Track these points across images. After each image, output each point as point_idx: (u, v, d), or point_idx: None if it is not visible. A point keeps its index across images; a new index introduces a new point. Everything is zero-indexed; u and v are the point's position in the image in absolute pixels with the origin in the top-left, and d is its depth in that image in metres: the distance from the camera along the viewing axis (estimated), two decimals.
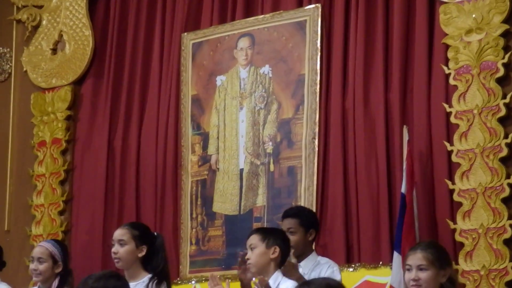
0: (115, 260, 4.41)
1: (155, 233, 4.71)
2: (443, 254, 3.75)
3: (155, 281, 4.28)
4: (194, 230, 6.32)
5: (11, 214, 7.47)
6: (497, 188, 5.08)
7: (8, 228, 7.37)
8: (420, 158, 5.39)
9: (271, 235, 4.12)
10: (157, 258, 4.43)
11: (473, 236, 5.11)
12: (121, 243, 4.38)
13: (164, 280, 4.35)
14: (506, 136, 5.11)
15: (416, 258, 3.61)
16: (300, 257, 4.51)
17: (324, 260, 4.62)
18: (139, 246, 4.37)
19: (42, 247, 4.88)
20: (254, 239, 4.06)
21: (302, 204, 5.80)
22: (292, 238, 4.41)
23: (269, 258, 3.97)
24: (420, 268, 3.56)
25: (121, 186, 6.83)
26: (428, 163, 5.44)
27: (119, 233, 4.48)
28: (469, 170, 5.20)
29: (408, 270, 3.66)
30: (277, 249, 4.01)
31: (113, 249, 4.39)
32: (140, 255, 4.37)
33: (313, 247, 4.85)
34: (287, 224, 4.60)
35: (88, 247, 6.73)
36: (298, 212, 4.78)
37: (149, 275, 4.32)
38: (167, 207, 6.52)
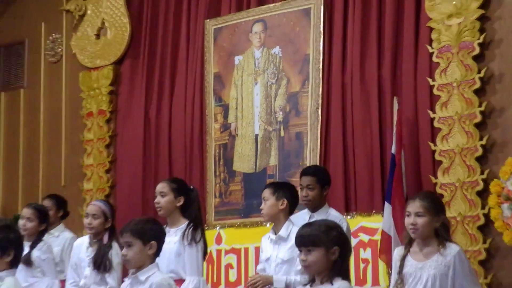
0: (158, 209, 4.46)
1: (191, 187, 4.72)
2: (437, 204, 3.79)
3: (191, 227, 4.30)
4: (217, 185, 6.38)
5: (66, 172, 7.57)
6: (472, 148, 5.15)
7: (64, 184, 7.45)
8: (407, 124, 5.40)
9: (281, 189, 4.17)
10: (193, 207, 4.45)
11: (451, 189, 5.19)
12: (162, 194, 4.40)
13: (198, 227, 4.38)
14: (480, 105, 5.14)
15: (415, 206, 3.63)
16: (315, 209, 4.49)
17: (334, 212, 4.58)
18: (177, 197, 4.38)
19: (95, 206, 4.95)
20: (266, 193, 4.13)
21: (309, 160, 5.88)
22: (310, 193, 4.45)
23: (278, 209, 4.04)
24: (417, 214, 3.58)
25: (156, 149, 6.87)
26: (414, 128, 5.47)
27: (160, 186, 4.49)
28: (449, 133, 5.25)
29: (408, 216, 3.67)
30: (285, 202, 4.06)
31: (156, 200, 4.42)
32: (178, 204, 4.39)
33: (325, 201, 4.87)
34: (306, 181, 4.54)
35: (130, 199, 6.79)
36: (316, 171, 4.72)
37: (187, 222, 4.35)
38: (195, 167, 6.57)
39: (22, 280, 4.76)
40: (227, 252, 6.03)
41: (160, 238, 3.39)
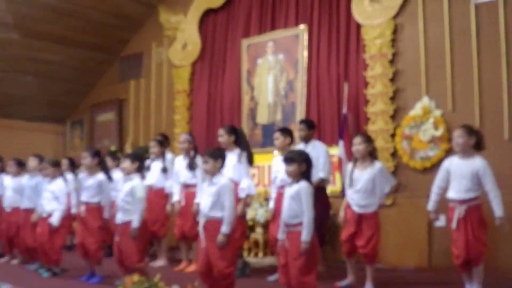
0: (220, 141, 4.44)
1: (239, 128, 4.71)
2: (369, 138, 3.82)
3: (242, 152, 4.32)
4: (248, 128, 6.36)
5: (168, 123, 7.43)
6: (387, 111, 5.18)
7: (163, 130, 7.15)
8: (352, 97, 5.43)
9: (286, 132, 4.26)
10: (241, 140, 4.45)
11: (376, 133, 5.20)
12: (221, 134, 4.42)
13: (246, 151, 4.36)
14: (392, 87, 5.18)
15: (357, 139, 3.76)
16: (307, 142, 4.37)
17: (318, 142, 4.50)
18: (231, 135, 4.40)
19: (185, 137, 4.95)
20: (277, 134, 4.24)
21: (298, 117, 5.80)
22: (303, 133, 4.39)
23: (286, 144, 4.16)
24: (360, 144, 3.69)
25: (214, 111, 6.89)
26: (355, 100, 5.47)
27: (220, 130, 4.50)
28: (375, 103, 5.28)
29: (353, 145, 3.80)
30: (288, 139, 4.18)
31: (219, 139, 4.46)
32: (231, 139, 4.38)
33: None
34: (302, 128, 4.44)
35: (199, 136, 6.50)
36: (305, 121, 4.60)
37: (239, 149, 4.36)
38: (236, 121, 6.47)
39: (156, 180, 5.07)
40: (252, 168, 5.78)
41: (223, 158, 3.33)
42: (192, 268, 4.61)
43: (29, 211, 4.85)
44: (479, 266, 3.25)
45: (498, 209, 3.23)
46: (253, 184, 4.38)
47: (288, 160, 2.95)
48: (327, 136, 5.59)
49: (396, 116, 5.21)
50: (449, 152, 4.54)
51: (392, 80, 5.25)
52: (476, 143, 3.35)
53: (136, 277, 2.55)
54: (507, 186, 4.29)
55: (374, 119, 5.30)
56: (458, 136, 3.35)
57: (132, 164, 3.76)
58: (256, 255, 5.37)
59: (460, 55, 4.89)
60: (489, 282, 3.43)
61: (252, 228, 5.39)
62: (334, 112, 5.65)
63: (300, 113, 5.90)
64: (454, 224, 3.31)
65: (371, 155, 3.74)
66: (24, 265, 4.93)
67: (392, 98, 5.23)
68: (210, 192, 3.18)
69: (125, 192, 3.72)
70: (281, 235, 2.97)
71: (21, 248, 5.05)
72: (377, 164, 3.71)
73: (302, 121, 4.58)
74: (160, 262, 5.07)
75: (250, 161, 4.36)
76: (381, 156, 5.09)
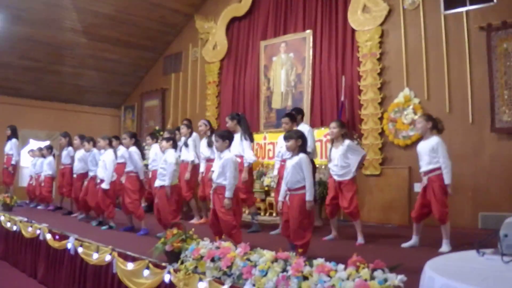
0: (227, 126, 4.37)
1: (240, 114, 4.54)
2: (342, 124, 3.73)
3: (244, 134, 4.25)
4: (265, 113, 6.28)
5: (192, 110, 7.51)
6: (376, 98, 5.19)
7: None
8: (348, 87, 5.43)
9: (293, 117, 4.08)
10: (242, 123, 4.35)
11: (367, 117, 5.20)
12: (226, 120, 4.41)
13: (247, 134, 4.29)
14: (380, 79, 5.17)
15: (332, 124, 3.71)
16: (298, 125, 4.06)
17: (303, 124, 4.17)
18: (234, 120, 4.34)
19: (204, 120, 4.95)
20: (285, 118, 4.06)
21: (305, 104, 5.81)
22: (287, 127, 3.94)
23: (292, 126, 3.95)
24: (334, 128, 3.67)
25: (237, 98, 6.86)
26: (351, 89, 5.44)
27: (226, 118, 4.41)
28: (366, 92, 5.30)
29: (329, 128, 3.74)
30: (295, 124, 4.01)
31: (227, 125, 4.39)
32: (234, 123, 4.31)
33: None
34: (285, 121, 3.98)
35: (222, 119, 6.48)
36: (290, 114, 4.06)
37: (241, 130, 4.29)
38: (255, 106, 6.48)
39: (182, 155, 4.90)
40: (268, 144, 5.92)
41: (230, 139, 3.25)
42: (202, 221, 4.65)
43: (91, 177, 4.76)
44: (445, 224, 3.18)
45: (446, 178, 3.18)
46: (252, 155, 4.24)
47: (286, 137, 2.94)
48: (327, 118, 5.55)
49: (383, 103, 5.21)
50: (439, 131, 4.25)
51: (380, 74, 5.28)
52: (434, 126, 3.31)
53: (175, 231, 2.55)
54: (469, 160, 4.52)
55: (366, 105, 5.31)
56: (418, 122, 3.38)
57: (167, 143, 3.80)
58: (271, 214, 5.39)
59: (433, 55, 4.93)
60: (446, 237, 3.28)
61: (267, 193, 5.41)
62: (334, 99, 5.63)
63: (306, 100, 5.89)
64: (419, 189, 3.35)
65: (344, 136, 3.64)
66: (88, 220, 4.87)
67: (380, 89, 5.25)
68: (218, 164, 3.17)
69: (162, 162, 3.74)
70: (281, 197, 2.93)
71: (85, 206, 4.94)
72: (346, 142, 3.62)
73: (285, 115, 4.07)
74: (194, 220, 5.00)
75: (251, 138, 4.29)
76: (371, 135, 5.23)
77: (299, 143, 2.87)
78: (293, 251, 2.16)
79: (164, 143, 3.85)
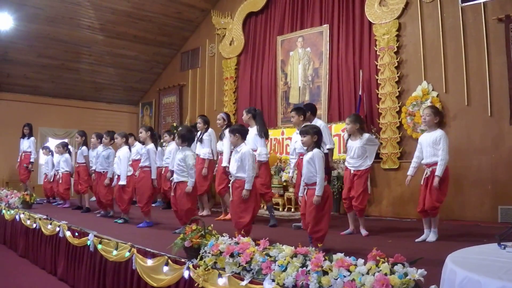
0: (242, 118, 4.52)
1: (257, 110, 4.61)
2: (359, 118, 3.80)
3: (260, 131, 4.35)
4: (282, 108, 6.56)
5: (222, 104, 7.56)
6: (394, 92, 5.22)
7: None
8: (366, 81, 5.52)
9: (301, 110, 4.11)
10: (258, 118, 4.45)
11: (385, 110, 5.35)
12: (246, 111, 4.51)
13: (263, 131, 4.33)
14: (397, 73, 5.26)
15: (348, 119, 3.76)
16: (308, 120, 4.06)
17: (316, 120, 4.18)
18: (249, 114, 4.47)
19: (222, 113, 4.93)
20: (292, 112, 4.12)
21: (322, 98, 5.92)
22: (295, 120, 4.07)
23: (300, 120, 4.02)
24: (348, 123, 3.73)
25: (255, 93, 7.03)
26: (368, 84, 5.52)
27: (244, 110, 4.52)
28: (384, 86, 5.36)
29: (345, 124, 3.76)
30: (302, 116, 4.04)
31: (242, 117, 4.56)
32: (248, 117, 4.44)
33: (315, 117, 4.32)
34: (292, 115, 4.08)
35: (239, 115, 6.59)
36: (298, 109, 4.13)
37: (256, 128, 4.36)
38: (272, 101, 6.68)
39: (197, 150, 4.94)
40: (285, 139, 6.11)
41: (245, 133, 3.33)
42: (227, 217, 4.55)
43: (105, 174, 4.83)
44: (435, 217, 3.30)
45: (438, 170, 3.27)
46: (265, 153, 4.32)
47: (303, 132, 2.97)
48: (346, 112, 5.61)
49: (401, 96, 5.27)
50: (441, 125, 4.25)
51: (397, 67, 5.34)
52: (439, 120, 3.42)
53: (194, 226, 2.54)
54: (489, 153, 4.57)
55: (383, 99, 5.38)
56: (428, 115, 3.40)
57: (183, 141, 3.79)
58: (289, 209, 5.46)
59: (451, 47, 4.98)
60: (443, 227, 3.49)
61: (285, 188, 5.46)
62: (352, 93, 5.70)
63: (324, 94, 5.96)
64: (421, 182, 3.39)
65: (360, 130, 3.70)
66: (105, 217, 4.92)
67: (398, 82, 5.31)
68: (235, 158, 3.20)
69: (179, 159, 3.70)
70: (301, 192, 3.01)
71: (101, 202, 4.94)
72: (365, 136, 3.69)
73: (293, 109, 4.14)
74: (205, 212, 5.09)
75: (266, 135, 4.38)
76: (389, 129, 5.29)
77: (315, 139, 2.92)
78: (311, 243, 2.21)
79: (179, 141, 3.81)
